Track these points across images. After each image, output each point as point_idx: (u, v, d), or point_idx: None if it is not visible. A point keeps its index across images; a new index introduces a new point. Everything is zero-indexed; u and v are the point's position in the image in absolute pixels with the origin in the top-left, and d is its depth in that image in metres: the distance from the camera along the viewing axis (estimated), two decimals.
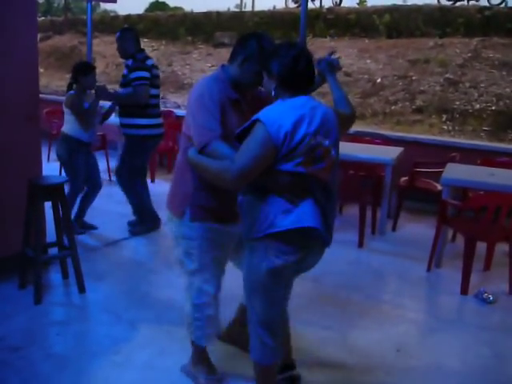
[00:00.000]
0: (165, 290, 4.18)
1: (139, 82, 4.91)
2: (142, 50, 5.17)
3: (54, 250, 4.33)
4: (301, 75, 2.44)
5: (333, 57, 2.86)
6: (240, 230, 2.65)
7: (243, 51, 2.67)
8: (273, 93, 2.47)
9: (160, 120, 5.23)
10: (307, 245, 2.47)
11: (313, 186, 2.39)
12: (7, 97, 4.09)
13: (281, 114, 2.33)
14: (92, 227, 5.46)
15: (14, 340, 3.39)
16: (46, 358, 3.24)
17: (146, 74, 4.94)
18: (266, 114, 2.35)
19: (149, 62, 5.04)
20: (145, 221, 5.38)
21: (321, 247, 2.56)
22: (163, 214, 5.81)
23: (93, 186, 5.33)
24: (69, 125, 5.13)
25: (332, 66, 2.82)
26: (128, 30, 5.31)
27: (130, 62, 5.05)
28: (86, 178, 5.26)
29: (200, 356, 3.04)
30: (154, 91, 5.06)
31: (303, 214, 2.37)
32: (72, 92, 5.06)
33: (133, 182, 5.28)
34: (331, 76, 2.79)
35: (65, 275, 4.30)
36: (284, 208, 2.37)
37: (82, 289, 4.08)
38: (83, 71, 5.02)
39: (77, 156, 5.13)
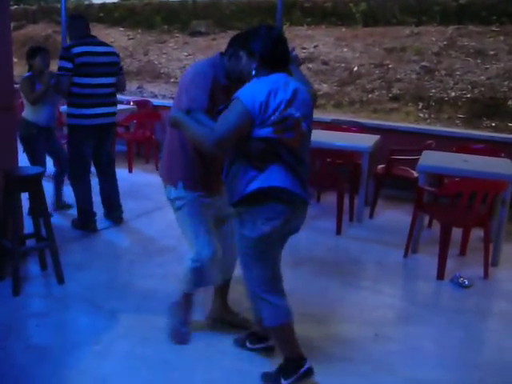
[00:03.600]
0: (145, 279, 4.18)
1: (59, 73, 4.82)
2: (87, 36, 4.98)
3: (31, 242, 4.29)
4: (280, 56, 2.66)
5: (293, 53, 2.97)
6: (220, 203, 3.10)
7: (233, 47, 2.88)
8: (253, 72, 2.65)
9: (95, 110, 4.95)
10: (288, 207, 2.65)
11: (282, 151, 2.59)
12: None
13: (255, 89, 2.55)
14: (67, 206, 5.68)
15: None
16: (26, 349, 3.23)
17: (66, 63, 4.76)
18: (243, 91, 2.57)
19: (75, 50, 4.77)
20: (81, 219, 5.25)
21: (302, 207, 2.75)
22: (140, 204, 5.87)
23: (61, 167, 5.60)
24: (26, 109, 5.37)
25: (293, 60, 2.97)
26: (69, 18, 5.24)
27: None
28: (55, 160, 5.64)
29: (185, 301, 3.31)
30: (79, 80, 4.81)
31: (270, 176, 2.59)
32: (25, 75, 5.23)
33: (74, 175, 5.19)
34: (292, 66, 2.94)
35: (43, 266, 4.27)
36: (252, 174, 2.61)
37: (60, 279, 4.07)
38: (30, 54, 5.22)
39: (35, 140, 5.33)
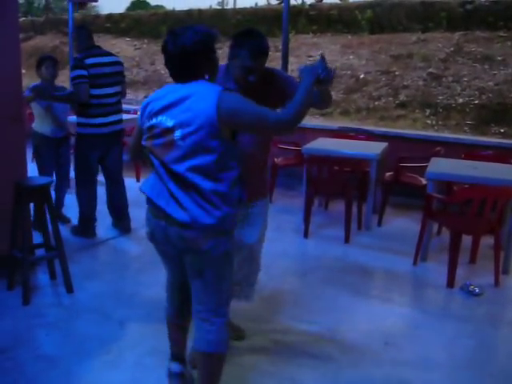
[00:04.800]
0: (153, 288, 4.16)
1: (78, 81, 4.87)
2: (92, 47, 5.07)
3: (41, 251, 4.31)
4: (170, 70, 2.58)
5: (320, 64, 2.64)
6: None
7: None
8: None
9: (104, 119, 5.04)
10: (154, 217, 2.63)
11: (153, 159, 2.57)
12: None
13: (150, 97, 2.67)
14: (66, 220, 5.65)
15: (2, 341, 3.38)
16: (35, 358, 3.23)
17: (83, 72, 4.85)
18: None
19: (88, 61, 4.87)
20: (81, 225, 5.33)
21: (178, 228, 2.50)
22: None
23: (60, 178, 5.63)
24: (35, 120, 5.47)
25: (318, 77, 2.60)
26: (74, 30, 5.31)
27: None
28: (56, 170, 5.60)
29: None
30: (92, 91, 4.91)
31: (146, 181, 2.69)
32: (32, 85, 5.28)
33: (79, 182, 5.27)
34: (305, 83, 2.54)
35: (52, 276, 4.28)
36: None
37: (70, 289, 4.07)
38: (37, 64, 5.29)
39: (42, 150, 5.42)
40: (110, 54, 5.22)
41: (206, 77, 2.54)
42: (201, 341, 2.66)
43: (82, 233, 5.28)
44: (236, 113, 2.41)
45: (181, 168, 2.45)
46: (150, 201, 2.61)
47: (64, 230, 5.22)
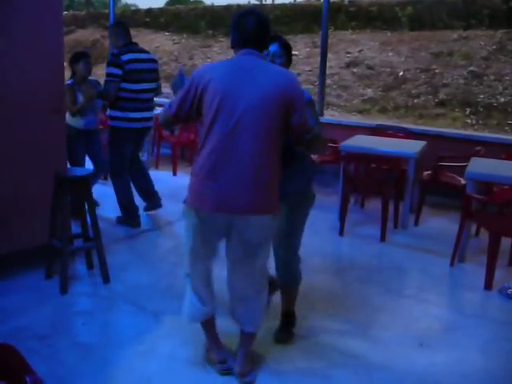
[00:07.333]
0: None
1: (108, 79, 5.01)
2: (130, 44, 5.15)
3: (79, 242, 4.39)
4: None
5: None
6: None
7: None
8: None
9: (137, 114, 5.14)
10: None
11: None
12: (34, 90, 4.13)
13: None
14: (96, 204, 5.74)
15: (41, 329, 3.45)
16: (72, 346, 3.30)
17: (115, 70, 4.94)
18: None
19: (124, 57, 4.95)
20: (125, 215, 5.43)
21: None
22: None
23: (96, 168, 5.64)
24: (68, 113, 5.43)
25: None
26: (112, 26, 5.41)
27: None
28: (93, 162, 5.68)
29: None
30: (127, 85, 5.00)
31: None
32: (68, 82, 5.31)
33: (114, 175, 5.39)
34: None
35: (90, 266, 4.36)
36: None
37: (106, 279, 4.14)
38: (74, 59, 5.32)
39: (74, 143, 5.38)
40: (145, 51, 5.29)
41: None
42: None
43: (127, 222, 5.39)
44: None
45: None
46: None
47: (103, 221, 5.40)
